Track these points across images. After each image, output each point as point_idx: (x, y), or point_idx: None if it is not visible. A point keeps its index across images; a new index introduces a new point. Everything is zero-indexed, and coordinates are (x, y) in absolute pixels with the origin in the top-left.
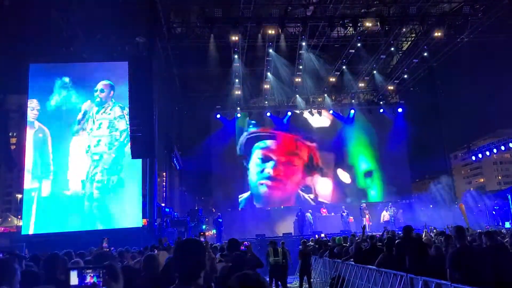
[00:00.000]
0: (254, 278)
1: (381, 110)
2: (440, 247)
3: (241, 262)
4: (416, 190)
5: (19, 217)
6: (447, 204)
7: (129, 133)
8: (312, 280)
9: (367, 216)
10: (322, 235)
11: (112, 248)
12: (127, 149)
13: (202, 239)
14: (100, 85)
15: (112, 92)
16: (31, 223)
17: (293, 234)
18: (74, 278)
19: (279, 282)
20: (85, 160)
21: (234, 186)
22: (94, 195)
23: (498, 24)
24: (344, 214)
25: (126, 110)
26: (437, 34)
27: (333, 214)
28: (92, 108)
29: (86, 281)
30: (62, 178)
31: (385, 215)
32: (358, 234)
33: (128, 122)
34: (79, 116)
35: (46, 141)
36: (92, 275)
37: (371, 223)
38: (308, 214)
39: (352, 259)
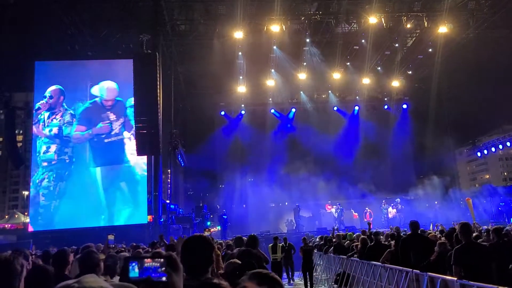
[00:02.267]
0: (269, 276)
1: (386, 107)
2: (445, 243)
3: (247, 258)
4: (421, 186)
5: (25, 214)
6: (452, 201)
7: (135, 130)
8: (315, 275)
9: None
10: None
11: (119, 244)
12: (129, 148)
13: (206, 234)
14: (48, 91)
15: (62, 98)
16: (55, 219)
17: (298, 230)
18: (134, 270)
19: None
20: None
21: (237, 183)
22: (100, 194)
23: (503, 19)
24: (338, 210)
25: (77, 117)
26: (442, 29)
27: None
28: (43, 112)
29: (146, 273)
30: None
31: (391, 211)
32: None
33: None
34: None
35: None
36: (152, 266)
37: (371, 218)
38: (333, 210)
39: (356, 255)
